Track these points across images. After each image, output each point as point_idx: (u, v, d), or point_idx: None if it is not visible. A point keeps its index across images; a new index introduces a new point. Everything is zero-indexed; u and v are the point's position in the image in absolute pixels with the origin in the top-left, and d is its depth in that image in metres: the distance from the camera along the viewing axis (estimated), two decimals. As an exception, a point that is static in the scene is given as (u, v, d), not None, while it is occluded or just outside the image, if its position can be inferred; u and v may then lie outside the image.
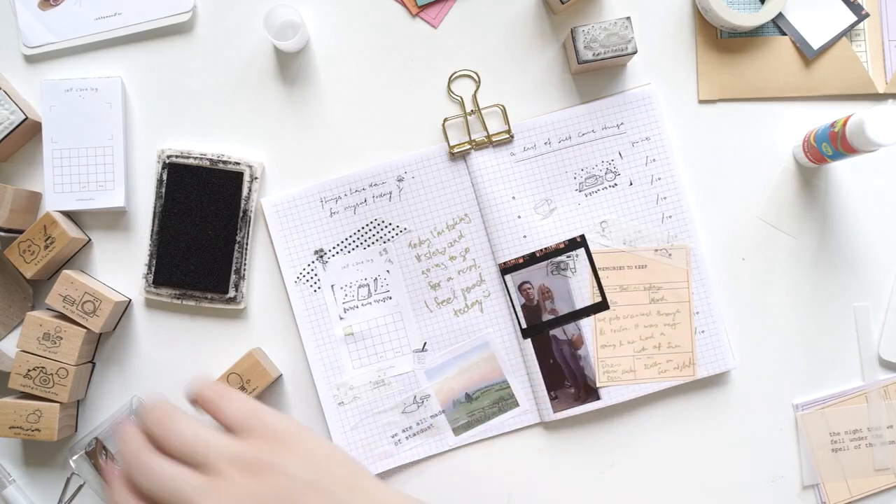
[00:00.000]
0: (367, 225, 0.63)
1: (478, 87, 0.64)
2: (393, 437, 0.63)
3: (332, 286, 0.63)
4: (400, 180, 0.63)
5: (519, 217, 0.63)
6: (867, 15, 0.63)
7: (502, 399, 0.63)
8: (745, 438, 0.64)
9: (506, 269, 0.63)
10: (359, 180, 0.63)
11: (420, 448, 0.63)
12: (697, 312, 0.63)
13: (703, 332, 0.63)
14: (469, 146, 0.63)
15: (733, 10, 0.62)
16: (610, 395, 0.62)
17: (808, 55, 0.63)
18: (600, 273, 0.63)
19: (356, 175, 0.63)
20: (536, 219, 0.63)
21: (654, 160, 0.63)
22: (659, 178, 0.63)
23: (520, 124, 0.63)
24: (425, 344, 0.63)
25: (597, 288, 0.63)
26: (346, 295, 0.63)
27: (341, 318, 0.63)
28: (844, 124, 0.56)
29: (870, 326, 0.64)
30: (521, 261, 0.63)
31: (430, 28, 0.64)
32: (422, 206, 0.63)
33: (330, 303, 0.63)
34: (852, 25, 0.63)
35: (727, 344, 0.63)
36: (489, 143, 0.63)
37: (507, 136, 0.63)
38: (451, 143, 0.63)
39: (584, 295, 0.63)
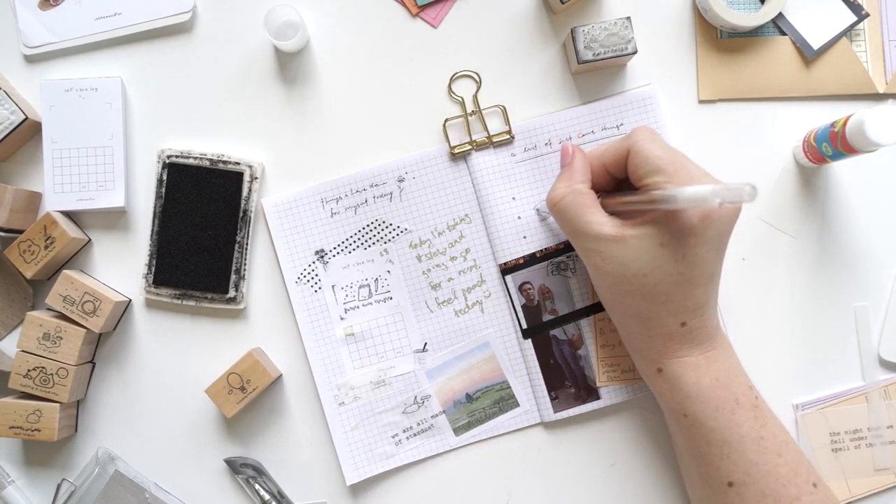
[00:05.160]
0: (368, 225, 0.63)
1: (478, 88, 0.64)
2: (394, 437, 0.63)
3: (332, 286, 0.63)
4: (401, 181, 0.63)
5: (519, 218, 0.63)
6: (867, 15, 0.63)
7: (503, 399, 0.63)
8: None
9: (506, 269, 0.63)
10: (359, 181, 0.63)
11: (421, 448, 0.63)
12: None
13: None
14: (470, 146, 0.63)
15: (733, 10, 0.62)
16: (610, 395, 0.63)
17: (807, 55, 0.63)
18: (600, 273, 0.63)
19: (357, 175, 0.63)
20: (536, 219, 0.63)
21: None
22: None
23: (520, 125, 0.63)
24: (426, 344, 0.63)
25: (597, 288, 0.63)
26: (346, 295, 0.63)
27: (342, 319, 0.63)
28: (844, 124, 0.56)
29: (870, 326, 0.64)
30: (521, 261, 0.63)
31: (430, 28, 0.64)
32: (422, 207, 0.63)
33: (331, 303, 0.63)
34: (852, 25, 0.63)
35: None
36: (490, 143, 0.63)
37: (508, 136, 0.63)
38: (452, 144, 0.63)
39: (583, 295, 0.63)
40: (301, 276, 0.63)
